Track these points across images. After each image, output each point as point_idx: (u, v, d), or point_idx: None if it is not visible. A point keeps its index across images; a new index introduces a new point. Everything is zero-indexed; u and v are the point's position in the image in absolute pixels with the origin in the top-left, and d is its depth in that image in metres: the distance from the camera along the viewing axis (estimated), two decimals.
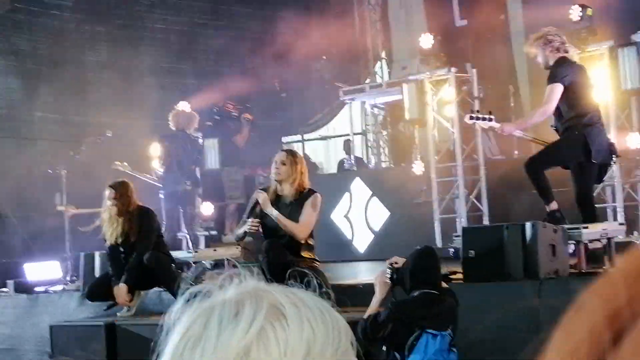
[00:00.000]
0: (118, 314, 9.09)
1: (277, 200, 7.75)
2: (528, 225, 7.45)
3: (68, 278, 11.10)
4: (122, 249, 8.87)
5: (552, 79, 7.95)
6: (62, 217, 11.64)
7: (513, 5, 13.74)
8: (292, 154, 7.94)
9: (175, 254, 9.48)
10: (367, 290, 7.15)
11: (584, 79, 8.08)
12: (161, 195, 12.12)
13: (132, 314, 9.03)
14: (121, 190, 8.85)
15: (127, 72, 15.06)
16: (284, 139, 16.66)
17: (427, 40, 12.34)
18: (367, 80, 15.66)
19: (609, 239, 7.89)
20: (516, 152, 12.25)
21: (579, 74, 8.04)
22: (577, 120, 7.98)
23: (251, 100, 14.85)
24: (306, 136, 17.32)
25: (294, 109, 16.12)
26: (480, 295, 7.28)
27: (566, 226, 7.69)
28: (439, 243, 11.42)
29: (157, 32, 15.70)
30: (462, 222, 11.31)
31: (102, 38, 15.14)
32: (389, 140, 15.10)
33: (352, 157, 14.51)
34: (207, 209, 12.78)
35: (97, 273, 9.75)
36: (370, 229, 12.42)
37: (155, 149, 12.53)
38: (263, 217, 7.76)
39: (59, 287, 10.75)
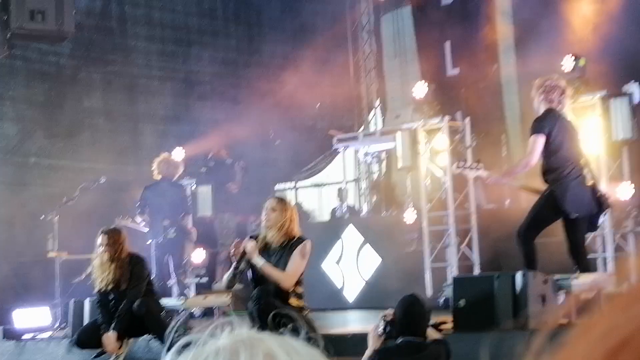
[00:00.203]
0: None
1: (266, 247, 7.72)
2: (518, 275, 7.43)
3: (57, 325, 11.01)
4: (112, 296, 8.82)
5: (533, 130, 8.03)
6: (53, 263, 11.59)
7: (506, 55, 13.84)
8: (281, 201, 7.93)
9: (165, 301, 9.43)
10: (356, 340, 7.11)
11: (564, 132, 8.06)
12: (148, 243, 12.09)
13: None
14: (114, 236, 8.82)
15: (122, 118, 15.14)
16: (277, 187, 16.68)
17: (420, 89, 12.40)
18: (361, 129, 15.72)
19: (599, 289, 7.86)
20: (507, 201, 12.26)
21: (560, 127, 8.04)
22: (550, 175, 8.02)
23: (245, 148, 14.88)
24: (299, 184, 17.35)
25: (288, 156, 16.16)
26: (470, 345, 7.23)
27: (556, 276, 7.67)
28: (429, 292, 11.37)
29: (152, 79, 15.80)
30: (453, 271, 11.28)
31: (97, 84, 15.23)
32: (381, 188, 15.12)
33: (344, 204, 14.51)
34: (198, 255, 12.72)
35: (87, 320, 9.68)
36: (362, 277, 12.38)
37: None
38: (252, 264, 7.73)
39: (48, 334, 10.66)
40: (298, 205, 15.29)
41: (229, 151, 14.43)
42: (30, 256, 12.91)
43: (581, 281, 7.76)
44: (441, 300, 10.60)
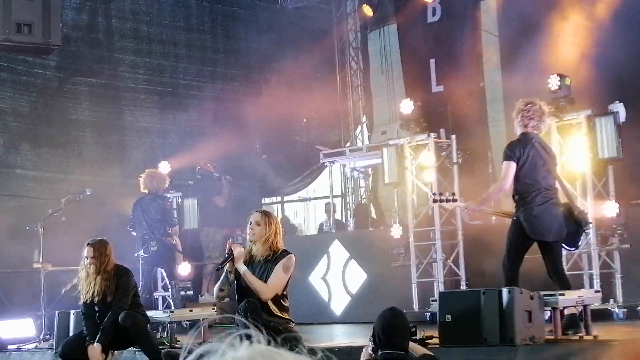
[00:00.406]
0: None
1: (251, 261, 7.74)
2: (505, 290, 7.46)
3: (41, 336, 10.97)
4: (97, 308, 8.78)
5: (504, 157, 8.21)
6: (38, 274, 11.55)
7: (492, 73, 13.94)
8: (266, 214, 7.94)
9: (150, 313, 9.41)
10: (343, 354, 7.13)
11: (535, 158, 8.18)
12: (137, 255, 12.09)
13: None
14: (100, 248, 8.78)
15: (108, 130, 15.12)
16: (264, 200, 16.70)
17: (407, 106, 12.47)
18: (348, 144, 15.79)
19: (584, 306, 7.91)
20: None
21: (530, 153, 8.16)
22: (517, 200, 8.19)
23: (232, 162, 14.90)
24: (286, 198, 17.39)
25: (275, 170, 16.20)
26: (456, 359, 7.26)
27: (542, 293, 7.71)
28: (416, 307, 11.41)
29: (139, 92, 15.80)
30: (439, 286, 11.32)
31: (84, 96, 15.21)
32: (368, 203, 15.17)
33: (331, 219, 14.55)
34: (184, 268, 12.71)
35: (72, 332, 9.64)
36: (348, 291, 12.40)
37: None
38: (239, 277, 7.74)
39: (32, 345, 10.62)
40: (285, 219, 15.33)
41: (216, 165, 14.44)
42: (15, 267, 12.87)
43: (567, 297, 7.81)
44: (428, 315, 10.64)
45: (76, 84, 15.15)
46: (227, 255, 7.71)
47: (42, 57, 14.22)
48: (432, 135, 11.98)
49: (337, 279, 12.50)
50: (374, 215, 15.29)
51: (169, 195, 13.06)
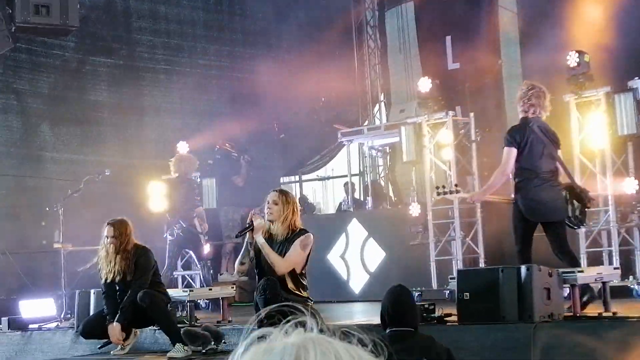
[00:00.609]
0: (112, 352, 9.04)
1: (269, 240, 7.78)
2: (523, 268, 7.46)
3: (62, 315, 11.07)
4: (117, 287, 8.84)
5: (505, 142, 8.34)
6: (58, 254, 11.63)
7: (509, 50, 13.87)
8: (283, 193, 7.96)
9: (169, 292, 9.46)
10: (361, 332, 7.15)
11: (534, 143, 8.26)
12: (165, 236, 12.32)
13: (126, 352, 9.00)
14: (120, 228, 8.83)
15: (127, 111, 15.16)
16: (282, 180, 16.72)
17: (425, 84, 12.43)
18: (366, 123, 15.76)
19: (603, 282, 7.90)
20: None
21: (529, 138, 8.24)
22: (516, 184, 8.32)
23: (250, 141, 14.92)
24: (304, 177, 17.40)
25: (293, 150, 16.20)
26: (475, 337, 7.27)
27: (561, 270, 7.71)
28: (434, 285, 11.43)
29: (158, 72, 15.82)
30: (458, 264, 11.33)
31: (103, 77, 15.24)
32: (386, 182, 15.16)
33: (349, 198, 14.55)
34: (204, 249, 12.79)
35: (92, 311, 9.71)
36: (366, 269, 12.43)
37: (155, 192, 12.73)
38: (258, 254, 7.77)
39: (53, 325, 10.71)
40: (303, 198, 15.35)
41: (234, 144, 14.47)
42: (35, 248, 12.97)
43: (586, 274, 7.80)
44: (446, 293, 10.66)
45: (95, 64, 15.18)
46: (247, 225, 7.77)
47: (61, 38, 14.25)
48: (450, 113, 11.95)
49: (356, 258, 12.53)
50: (391, 193, 15.29)
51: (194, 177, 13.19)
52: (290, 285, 7.71)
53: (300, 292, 7.75)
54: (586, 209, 8.35)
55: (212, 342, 8.50)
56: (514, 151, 8.20)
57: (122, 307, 8.66)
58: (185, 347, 8.40)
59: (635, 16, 11.63)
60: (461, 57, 14.10)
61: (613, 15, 11.69)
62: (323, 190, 18.19)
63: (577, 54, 10.66)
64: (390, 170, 15.37)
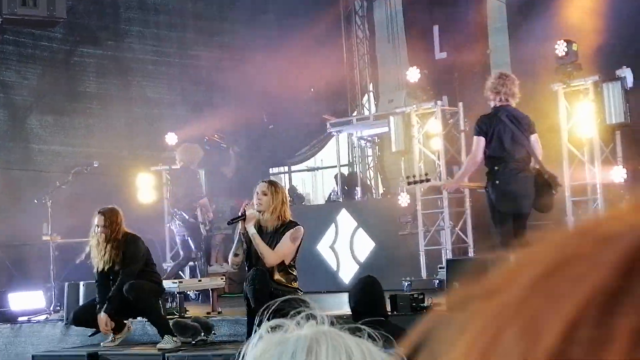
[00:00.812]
0: (102, 343, 9.04)
1: (258, 230, 7.79)
2: (512, 257, 7.47)
3: (52, 308, 11.05)
4: (110, 276, 8.80)
5: (474, 132, 8.57)
6: (47, 246, 11.61)
7: (499, 39, 13.87)
8: (272, 184, 7.98)
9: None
10: (352, 322, 7.16)
11: (500, 132, 8.41)
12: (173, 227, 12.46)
13: (116, 344, 8.99)
14: (110, 216, 8.78)
15: (116, 102, 15.11)
16: (272, 170, 16.71)
17: (414, 74, 12.43)
18: (355, 113, 15.75)
19: None
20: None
21: (496, 128, 8.37)
22: (487, 173, 8.47)
23: (239, 132, 14.90)
24: (293, 168, 17.39)
25: (282, 140, 16.19)
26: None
27: None
28: (424, 274, 11.44)
29: (146, 63, 15.77)
30: (447, 253, 11.34)
31: (91, 68, 15.20)
32: (375, 172, 15.17)
33: (338, 188, 14.55)
34: None
35: (81, 303, 9.71)
36: (356, 260, 12.44)
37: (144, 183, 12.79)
38: (249, 245, 7.79)
39: (42, 317, 10.70)
40: (292, 189, 15.35)
41: (223, 136, 14.45)
42: (24, 240, 12.93)
43: None
44: (436, 282, 10.68)
45: (83, 56, 15.13)
46: (240, 215, 7.79)
47: (48, 29, 14.21)
48: (439, 103, 11.95)
49: (345, 248, 12.53)
50: (372, 183, 15.35)
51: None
52: (279, 276, 7.73)
53: (290, 284, 7.77)
54: (553, 194, 8.46)
55: (202, 333, 8.50)
56: (482, 140, 8.36)
57: (110, 296, 8.63)
58: (175, 338, 8.40)
59: (623, 5, 11.64)
60: (449, 46, 14.09)
61: (601, 4, 11.70)
62: (312, 181, 18.19)
63: (565, 43, 10.67)
64: (379, 161, 15.37)
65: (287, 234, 7.71)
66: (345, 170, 15.50)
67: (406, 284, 10.78)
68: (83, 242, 9.54)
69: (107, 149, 14.17)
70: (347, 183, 14.28)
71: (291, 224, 7.79)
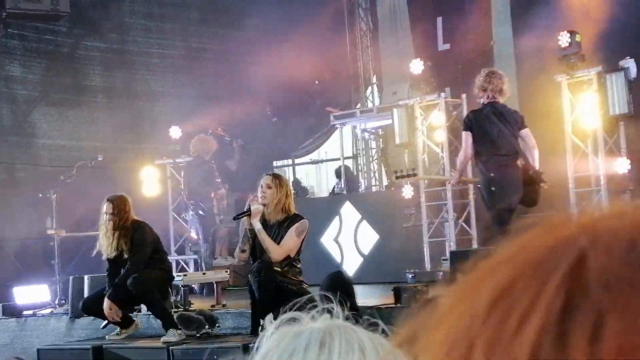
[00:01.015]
0: (107, 336, 9.07)
1: (263, 224, 7.81)
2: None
3: (57, 301, 11.09)
4: (120, 264, 8.79)
5: (462, 127, 8.89)
6: (52, 240, 11.64)
7: (502, 30, 13.84)
8: (277, 177, 8.00)
9: None
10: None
11: (485, 129, 8.61)
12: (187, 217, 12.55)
13: (122, 337, 9.01)
14: (119, 204, 8.75)
15: (120, 96, 15.13)
16: (276, 163, 16.72)
17: (417, 66, 12.41)
18: (358, 105, 15.75)
19: None
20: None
21: (481, 125, 8.58)
22: (477, 169, 8.73)
23: (243, 125, 14.90)
24: (297, 160, 17.40)
25: (286, 133, 16.19)
26: None
27: None
28: (427, 266, 11.45)
29: (151, 57, 15.78)
30: (451, 245, 11.34)
31: (96, 62, 15.21)
32: (379, 164, 15.18)
33: (342, 181, 14.56)
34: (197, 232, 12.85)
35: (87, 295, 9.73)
36: (360, 252, 12.45)
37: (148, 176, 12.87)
38: (254, 239, 7.81)
39: (48, 311, 10.73)
40: (296, 182, 15.37)
41: (227, 129, 14.46)
42: (29, 234, 12.96)
43: None
44: (440, 274, 10.68)
45: (87, 49, 15.15)
46: (245, 210, 7.83)
47: (53, 23, 14.22)
48: (443, 94, 11.94)
49: (349, 240, 12.54)
50: (376, 176, 15.39)
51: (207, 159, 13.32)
52: (285, 269, 7.76)
53: (294, 277, 7.79)
54: (538, 189, 8.52)
55: (207, 326, 8.52)
56: (469, 135, 8.58)
57: (115, 284, 8.61)
58: (179, 331, 8.41)
59: None
60: (452, 38, 14.07)
61: None
62: (316, 174, 18.20)
63: (568, 34, 10.65)
64: (383, 153, 15.37)
65: (293, 228, 7.73)
66: (350, 163, 15.51)
67: (410, 275, 10.79)
68: (88, 236, 9.55)
69: (112, 143, 14.20)
70: (347, 179, 14.31)
71: (296, 218, 7.81)
